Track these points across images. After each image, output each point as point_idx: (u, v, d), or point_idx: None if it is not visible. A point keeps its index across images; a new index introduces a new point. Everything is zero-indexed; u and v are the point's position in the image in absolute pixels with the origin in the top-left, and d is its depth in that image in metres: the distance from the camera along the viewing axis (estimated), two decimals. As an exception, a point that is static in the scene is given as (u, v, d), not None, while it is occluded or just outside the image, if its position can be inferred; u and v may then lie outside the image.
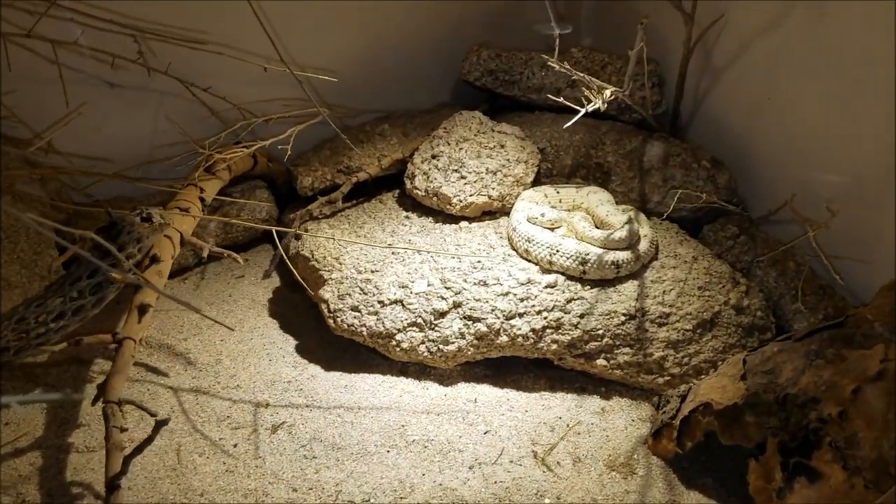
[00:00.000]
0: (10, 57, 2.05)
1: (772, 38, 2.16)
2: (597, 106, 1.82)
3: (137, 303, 1.77)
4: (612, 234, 2.03)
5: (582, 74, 1.89)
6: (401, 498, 1.69)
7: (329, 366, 2.09)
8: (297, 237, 2.21)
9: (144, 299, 1.78)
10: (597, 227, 2.11)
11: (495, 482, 1.73)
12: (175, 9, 2.27)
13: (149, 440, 1.59)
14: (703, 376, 1.92)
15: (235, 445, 1.82)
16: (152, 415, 1.64)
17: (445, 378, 2.04)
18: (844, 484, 1.42)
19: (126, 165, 2.22)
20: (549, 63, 1.86)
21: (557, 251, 2.02)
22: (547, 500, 1.69)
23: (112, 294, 1.77)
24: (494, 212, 2.28)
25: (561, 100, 2.07)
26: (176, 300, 1.31)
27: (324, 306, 2.08)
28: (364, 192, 2.45)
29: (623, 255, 2.01)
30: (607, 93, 1.89)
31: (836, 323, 1.62)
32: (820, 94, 2.05)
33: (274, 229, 1.99)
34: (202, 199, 2.12)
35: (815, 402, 1.50)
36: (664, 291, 2.01)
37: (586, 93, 1.87)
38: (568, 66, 1.86)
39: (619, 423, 1.92)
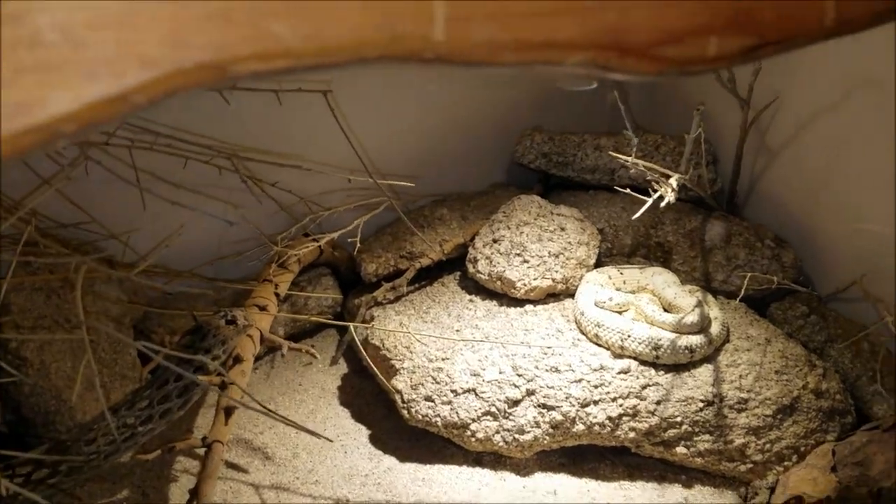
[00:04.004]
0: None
1: (831, 121, 2.20)
2: (668, 199, 1.86)
3: (223, 405, 1.80)
4: (683, 317, 2.04)
5: (651, 165, 1.93)
6: None
7: (404, 457, 2.10)
8: (367, 321, 2.25)
9: (230, 401, 1.82)
10: (665, 310, 2.12)
11: (585, 580, 1.72)
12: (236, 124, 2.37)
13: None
14: (786, 462, 1.91)
15: (320, 545, 1.83)
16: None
17: (521, 468, 2.04)
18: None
19: (195, 263, 2.27)
20: (625, 165, 1.91)
21: (629, 336, 2.03)
22: None
23: (197, 396, 1.81)
24: (558, 294, 2.31)
25: (628, 190, 2.11)
26: (272, 415, 1.34)
27: (397, 397, 2.10)
28: (426, 274, 2.49)
29: (696, 340, 2.02)
30: (673, 182, 1.92)
31: (927, 413, 1.61)
32: (883, 173, 2.07)
33: (350, 325, 2.03)
34: (276, 294, 2.17)
35: (914, 498, 1.49)
36: (741, 376, 2.01)
37: (654, 185, 1.91)
38: (643, 165, 1.91)
39: (702, 512, 1.90)
